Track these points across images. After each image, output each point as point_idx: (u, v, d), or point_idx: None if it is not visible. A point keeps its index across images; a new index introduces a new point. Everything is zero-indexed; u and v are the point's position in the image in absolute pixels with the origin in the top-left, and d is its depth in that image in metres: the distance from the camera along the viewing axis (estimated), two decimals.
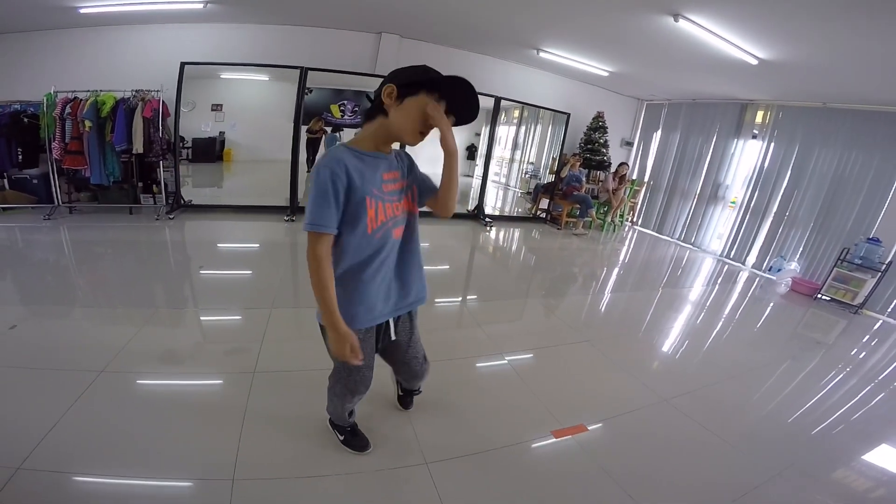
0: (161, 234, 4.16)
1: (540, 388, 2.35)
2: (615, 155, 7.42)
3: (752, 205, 6.05)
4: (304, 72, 4.92)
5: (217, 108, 5.88)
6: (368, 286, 1.25)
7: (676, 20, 3.37)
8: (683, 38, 3.87)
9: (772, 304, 4.68)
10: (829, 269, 4.90)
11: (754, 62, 4.12)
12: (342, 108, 7.41)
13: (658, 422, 2.23)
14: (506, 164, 8.63)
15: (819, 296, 4.93)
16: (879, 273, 4.50)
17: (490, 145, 6.04)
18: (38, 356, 2.07)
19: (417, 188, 1.35)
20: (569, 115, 6.41)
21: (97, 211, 4.57)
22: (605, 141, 7.01)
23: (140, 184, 4.75)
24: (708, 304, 4.43)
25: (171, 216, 4.58)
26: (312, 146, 6.41)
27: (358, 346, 1.21)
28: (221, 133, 6.14)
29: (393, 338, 1.45)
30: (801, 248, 5.49)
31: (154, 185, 4.82)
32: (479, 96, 1.18)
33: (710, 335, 3.64)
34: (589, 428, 2.07)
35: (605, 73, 5.98)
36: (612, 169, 7.06)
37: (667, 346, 3.27)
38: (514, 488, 1.67)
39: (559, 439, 1.97)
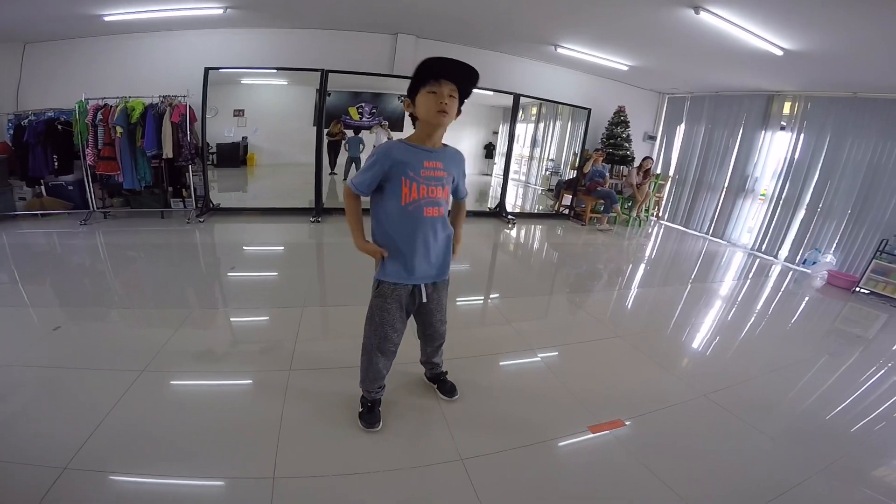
0: (192, 237, 4.26)
1: (573, 383, 2.32)
2: (638, 149, 7.29)
3: (783, 197, 5.87)
4: (324, 74, 4.98)
5: (239, 113, 6.01)
6: (402, 249, 1.58)
7: (697, 12, 3.31)
8: (705, 31, 3.80)
9: (807, 298, 4.53)
10: (868, 262, 4.72)
11: (779, 53, 4.01)
12: (360, 110, 7.49)
13: (697, 417, 2.18)
14: (525, 161, 8.57)
15: (857, 289, 4.75)
16: None
17: (511, 143, 6.00)
18: (82, 356, 2.14)
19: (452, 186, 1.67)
20: (590, 110, 6.33)
21: (130, 216, 4.71)
22: (628, 135, 6.90)
23: (170, 188, 4.88)
24: (740, 298, 4.30)
25: (201, 219, 4.69)
26: (333, 149, 6.50)
27: (378, 248, 1.59)
28: (244, 138, 6.28)
29: (424, 300, 1.71)
30: (836, 241, 5.30)
31: (183, 190, 4.95)
32: (461, 62, 1.42)
33: (744, 330, 3.52)
34: (627, 423, 2.04)
35: (625, 68, 5.88)
36: (636, 163, 6.94)
37: (699, 342, 3.19)
38: (552, 484, 1.66)
39: (596, 434, 1.94)
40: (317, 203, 5.31)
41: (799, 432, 2.16)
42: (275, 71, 5.48)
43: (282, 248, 4.28)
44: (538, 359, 2.54)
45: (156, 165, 4.67)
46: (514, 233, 5.81)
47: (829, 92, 5.25)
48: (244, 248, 4.18)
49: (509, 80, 5.87)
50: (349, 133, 6.81)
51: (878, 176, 4.92)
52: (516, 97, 5.50)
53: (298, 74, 5.44)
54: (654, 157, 7.62)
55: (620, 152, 6.87)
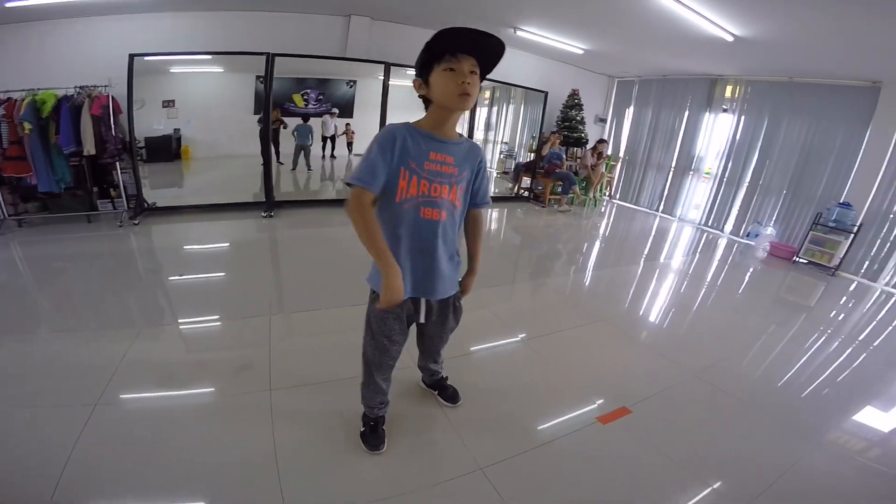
0: (127, 242, 3.77)
1: (570, 374, 2.31)
2: (590, 132, 7.44)
3: (726, 175, 6.23)
4: (270, 58, 4.55)
5: (169, 104, 5.40)
6: (392, 253, 1.26)
7: None
8: (664, 16, 3.85)
9: (753, 269, 4.88)
10: (805, 233, 5.12)
11: (730, 39, 4.16)
12: (306, 97, 7.03)
13: (696, 397, 2.24)
14: (480, 145, 8.50)
15: (797, 259, 5.15)
16: (852, 235, 4.72)
17: (471, 127, 5.88)
18: (18, 394, 1.80)
19: (468, 189, 1.39)
20: (546, 93, 6.33)
21: (50, 222, 4.09)
22: (582, 118, 7.00)
23: (95, 189, 4.29)
24: (699, 273, 4.55)
25: (136, 221, 4.17)
26: (273, 138, 5.99)
27: (401, 285, 1.26)
28: (176, 130, 5.65)
29: (422, 319, 1.48)
30: (775, 214, 5.71)
31: (112, 189, 4.36)
32: (471, 30, 1.16)
33: (708, 304, 3.74)
34: (632, 410, 2.03)
35: (580, 51, 5.91)
36: (590, 145, 7.07)
37: (673, 319, 3.31)
38: (577, 480, 1.62)
39: (606, 425, 1.92)
40: (267, 196, 4.91)
41: (792, 404, 2.28)
42: (209, 57, 4.96)
43: (234, 248, 3.87)
44: (531, 350, 2.48)
45: (76, 164, 4.07)
46: None
47: (767, 77, 5.57)
48: (190, 250, 3.76)
49: None
50: (288, 120, 6.39)
51: (811, 155, 5.31)
52: None
53: (235, 61, 4.97)
54: (605, 139, 7.82)
55: (575, 135, 6.97)
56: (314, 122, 6.68)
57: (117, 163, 4.17)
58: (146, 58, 4.25)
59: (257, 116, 5.45)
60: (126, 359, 2.07)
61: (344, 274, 3.24)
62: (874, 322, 3.83)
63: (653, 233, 6.03)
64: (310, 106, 7.12)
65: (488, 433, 1.80)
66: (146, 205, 4.47)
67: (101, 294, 2.80)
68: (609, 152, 7.68)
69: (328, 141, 7.53)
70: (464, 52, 1.19)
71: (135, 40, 4.32)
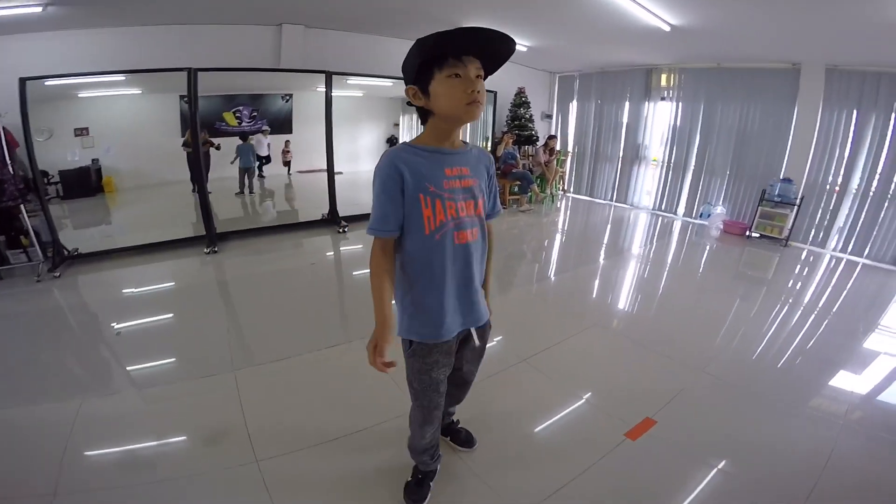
0: (49, 299, 3.21)
1: (581, 389, 2.17)
2: (539, 129, 7.49)
3: (672, 160, 6.46)
4: (192, 74, 4.10)
5: (82, 132, 4.77)
6: (432, 295, 1.15)
7: None
8: (607, 10, 3.89)
9: (712, 248, 5.10)
10: (753, 209, 5.39)
11: (668, 29, 4.27)
12: (238, 114, 6.57)
13: (710, 395, 2.18)
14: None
15: (750, 234, 5.40)
16: (796, 207, 5.01)
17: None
18: None
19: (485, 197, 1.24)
20: (496, 93, 6.27)
21: None
22: (530, 115, 7.02)
23: (2, 237, 3.65)
24: (665, 260, 4.66)
25: (57, 273, 3.58)
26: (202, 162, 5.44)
27: (385, 350, 1.13)
28: (95, 160, 5.01)
29: (476, 342, 1.31)
30: (723, 194, 5.97)
31: (22, 237, 3.74)
32: (485, 29, 0.98)
33: (683, 288, 3.83)
34: (656, 419, 1.92)
35: (525, 49, 5.90)
36: (541, 142, 7.10)
37: (658, 309, 3.33)
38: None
39: (637, 441, 1.80)
40: (208, 229, 4.41)
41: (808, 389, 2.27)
42: (123, 78, 4.41)
43: (177, 295, 3.38)
44: (535, 369, 2.32)
45: None
46: None
47: (698, 64, 5.82)
48: (126, 303, 3.22)
49: None
50: (223, 141, 5.91)
51: (747, 135, 5.61)
52: None
53: (156, 81, 4.46)
54: (555, 135, 7.92)
55: (526, 132, 6.97)
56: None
57: (22, 205, 3.57)
58: (46, 82, 3.69)
59: (183, 140, 4.96)
60: (73, 440, 1.69)
61: (311, 312, 2.95)
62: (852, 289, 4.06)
63: (612, 223, 6.16)
64: (243, 124, 6.65)
65: (515, 472, 1.63)
66: (66, 252, 3.87)
67: (26, 365, 2.31)
68: (559, 147, 7.77)
69: (261, 160, 7.11)
70: (469, 55, 1.02)
71: (31, 63, 3.74)
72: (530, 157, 7.12)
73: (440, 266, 1.12)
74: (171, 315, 3.00)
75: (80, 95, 4.53)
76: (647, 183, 6.98)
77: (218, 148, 5.44)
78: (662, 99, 6.45)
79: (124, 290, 3.40)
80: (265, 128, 6.98)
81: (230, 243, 4.45)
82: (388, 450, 1.68)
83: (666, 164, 6.54)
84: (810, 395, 2.24)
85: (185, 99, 4.28)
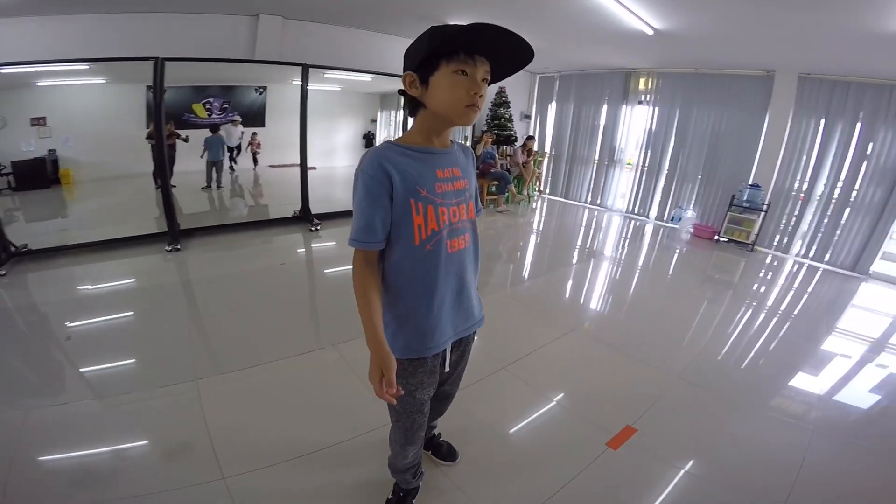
0: None
1: (563, 397, 2.15)
2: (518, 129, 7.49)
3: (646, 164, 6.57)
4: (159, 64, 3.89)
5: (39, 121, 4.47)
6: (421, 309, 1.05)
7: None
8: (592, 11, 3.86)
9: (683, 252, 5.22)
10: (723, 214, 5.54)
11: (651, 32, 4.30)
12: (208, 106, 6.32)
13: (690, 401, 2.21)
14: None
15: (718, 238, 5.55)
16: (763, 213, 5.18)
17: (405, 129, 5.57)
18: None
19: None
20: None
21: None
22: (510, 116, 7.01)
23: None
24: (638, 262, 4.74)
25: (2, 272, 3.32)
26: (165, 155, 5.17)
27: (394, 379, 1.02)
28: (52, 151, 4.70)
29: (446, 368, 1.21)
30: (694, 198, 6.12)
31: None
32: (509, 31, 0.89)
33: (657, 292, 3.92)
34: (637, 427, 1.92)
35: None
36: (519, 143, 7.11)
37: (632, 313, 3.37)
38: None
39: (618, 450, 1.79)
40: (170, 225, 4.18)
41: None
42: (86, 67, 4.14)
43: (136, 297, 3.12)
44: (515, 377, 2.28)
45: None
46: None
47: (676, 69, 5.93)
48: (80, 304, 2.99)
49: (396, 63, 5.41)
50: (191, 133, 5.66)
51: (720, 141, 5.75)
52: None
53: (121, 70, 4.22)
54: (533, 136, 7.95)
55: (505, 132, 6.96)
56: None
57: None
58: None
59: (147, 132, 4.72)
60: (17, 456, 1.53)
61: (280, 316, 2.81)
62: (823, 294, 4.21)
63: (587, 226, 6.22)
64: (213, 116, 6.41)
65: (499, 485, 1.59)
66: (14, 248, 3.59)
67: None
68: (536, 148, 7.81)
69: (232, 152, 6.89)
70: (483, 55, 0.94)
71: None
72: (508, 158, 7.12)
73: (432, 278, 1.03)
74: (127, 318, 2.79)
75: (38, 84, 4.24)
76: (621, 186, 7.08)
77: (186, 140, 5.21)
78: (640, 102, 6.55)
79: (77, 290, 3.18)
80: (236, 117, 6.75)
81: (195, 241, 4.22)
82: (365, 465, 1.61)
83: (640, 168, 6.65)
84: (779, 398, 2.31)
85: (150, 89, 4.06)
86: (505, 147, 7.18)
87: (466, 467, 1.64)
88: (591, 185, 7.36)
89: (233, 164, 7.07)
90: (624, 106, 6.69)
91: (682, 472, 1.71)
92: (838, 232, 4.91)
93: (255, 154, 7.13)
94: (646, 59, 5.79)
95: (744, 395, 2.30)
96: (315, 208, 4.97)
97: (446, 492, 1.54)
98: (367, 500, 1.46)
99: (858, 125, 4.67)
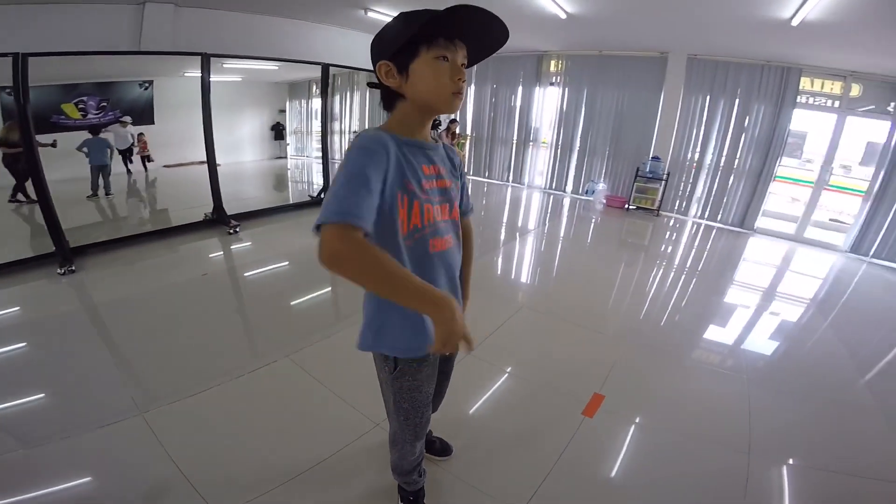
0: None
1: (530, 373, 2.29)
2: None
3: (560, 142, 6.96)
4: (20, 59, 3.21)
5: None
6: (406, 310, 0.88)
7: None
8: None
9: (599, 221, 5.73)
10: (630, 185, 6.10)
11: (564, 16, 4.52)
12: (81, 105, 5.51)
13: (641, 363, 2.45)
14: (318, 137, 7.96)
15: (628, 206, 6.11)
16: (664, 182, 5.80)
17: (325, 118, 5.29)
18: None
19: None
20: None
21: None
22: None
23: None
24: (561, 234, 5.14)
25: None
26: (13, 165, 4.35)
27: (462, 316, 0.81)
28: None
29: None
30: (604, 172, 6.64)
31: None
32: (489, 12, 0.85)
33: (586, 259, 4.35)
34: (604, 394, 2.10)
35: None
36: (444, 126, 7.11)
37: (575, 285, 3.63)
38: (608, 484, 1.63)
39: (594, 417, 1.95)
40: (58, 243, 3.50)
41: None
42: None
43: (36, 329, 2.56)
44: (480, 360, 2.32)
45: None
46: None
47: (583, 51, 6.29)
48: None
49: (311, 51, 5.17)
50: (69, 136, 4.90)
51: (624, 118, 6.26)
52: (325, 67, 4.76)
53: None
54: (456, 119, 7.99)
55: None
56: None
57: None
58: None
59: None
60: None
61: (217, 331, 2.56)
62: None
63: (511, 203, 6.53)
64: (90, 116, 5.60)
65: (498, 468, 1.65)
66: None
67: None
68: (459, 130, 7.89)
69: (125, 154, 6.15)
70: (462, 39, 0.90)
71: None
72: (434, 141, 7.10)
73: (420, 273, 0.92)
74: (31, 354, 2.32)
75: None
76: (539, 164, 7.46)
77: (54, 146, 4.36)
78: (551, 84, 6.87)
79: None
80: (124, 118, 5.96)
81: (90, 259, 3.56)
82: (362, 476, 1.57)
83: (555, 146, 7.03)
84: (710, 352, 2.68)
85: (8, 91, 3.34)
86: (431, 131, 7.15)
87: (461, 458, 1.67)
88: (512, 165, 7.64)
89: (127, 168, 6.27)
90: (537, 87, 6.98)
91: (652, 429, 1.91)
92: (726, 195, 5.68)
93: (144, 156, 6.37)
94: (556, 41, 6.07)
95: (681, 350, 2.62)
96: (229, 208, 4.49)
97: (449, 485, 1.56)
98: None
99: (737, 101, 5.38)
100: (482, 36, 0.92)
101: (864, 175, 5.72)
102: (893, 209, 4.78)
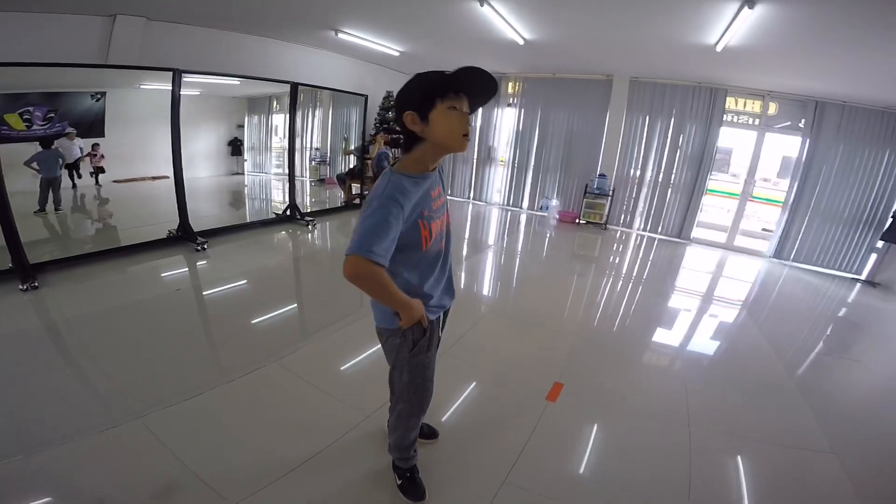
0: None
1: (499, 369, 2.55)
2: None
3: (516, 161, 7.41)
4: None
5: None
6: (427, 291, 1.33)
7: (482, 5, 3.71)
8: (476, 21, 4.24)
9: (552, 235, 6.17)
10: (580, 201, 6.60)
11: (522, 42, 4.92)
12: (27, 116, 5.29)
13: (592, 354, 2.83)
14: (286, 153, 7.91)
15: (579, 221, 6.61)
16: (610, 197, 6.35)
17: (292, 136, 5.39)
18: None
19: None
20: (367, 96, 6.30)
21: None
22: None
23: None
24: (520, 247, 5.58)
25: None
26: None
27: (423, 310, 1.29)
28: None
29: (440, 333, 1.52)
30: (556, 189, 7.14)
31: None
32: (486, 72, 1.16)
33: (541, 269, 4.75)
34: (563, 382, 2.40)
35: (397, 54, 6.09)
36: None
37: (532, 292, 3.97)
38: (576, 455, 1.90)
39: (556, 402, 2.22)
40: (16, 259, 3.32)
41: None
42: None
43: (19, 344, 2.46)
44: (455, 359, 2.54)
45: None
46: (317, 234, 5.35)
47: (538, 74, 6.79)
48: None
49: (280, 69, 5.27)
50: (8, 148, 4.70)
51: (573, 138, 6.81)
52: (294, 87, 4.89)
53: None
54: None
55: (394, 136, 7.15)
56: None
57: None
58: None
59: None
60: None
61: (200, 342, 2.66)
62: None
63: (472, 219, 6.85)
64: (35, 127, 5.38)
65: (478, 446, 1.88)
66: None
67: None
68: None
69: (72, 168, 5.90)
70: (465, 92, 1.18)
71: None
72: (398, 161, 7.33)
73: (431, 269, 1.32)
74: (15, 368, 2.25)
75: None
76: (496, 181, 7.88)
77: None
78: (509, 105, 7.32)
79: None
80: (69, 130, 5.74)
81: (51, 275, 3.42)
82: (360, 462, 1.72)
83: (511, 164, 7.48)
84: (650, 349, 3.06)
85: None
86: (394, 150, 7.37)
87: (445, 441, 1.87)
88: (473, 182, 8.00)
89: (74, 182, 6.02)
90: (496, 108, 7.42)
91: (607, 409, 2.23)
92: (665, 208, 6.31)
93: (97, 169, 6.12)
94: (514, 64, 6.52)
95: (628, 343, 3.05)
96: (193, 225, 4.42)
97: (437, 464, 1.74)
98: (380, 491, 1.61)
99: (672, 120, 6.03)
100: (481, 90, 1.19)
101: (782, 187, 6.49)
102: (807, 217, 5.54)
